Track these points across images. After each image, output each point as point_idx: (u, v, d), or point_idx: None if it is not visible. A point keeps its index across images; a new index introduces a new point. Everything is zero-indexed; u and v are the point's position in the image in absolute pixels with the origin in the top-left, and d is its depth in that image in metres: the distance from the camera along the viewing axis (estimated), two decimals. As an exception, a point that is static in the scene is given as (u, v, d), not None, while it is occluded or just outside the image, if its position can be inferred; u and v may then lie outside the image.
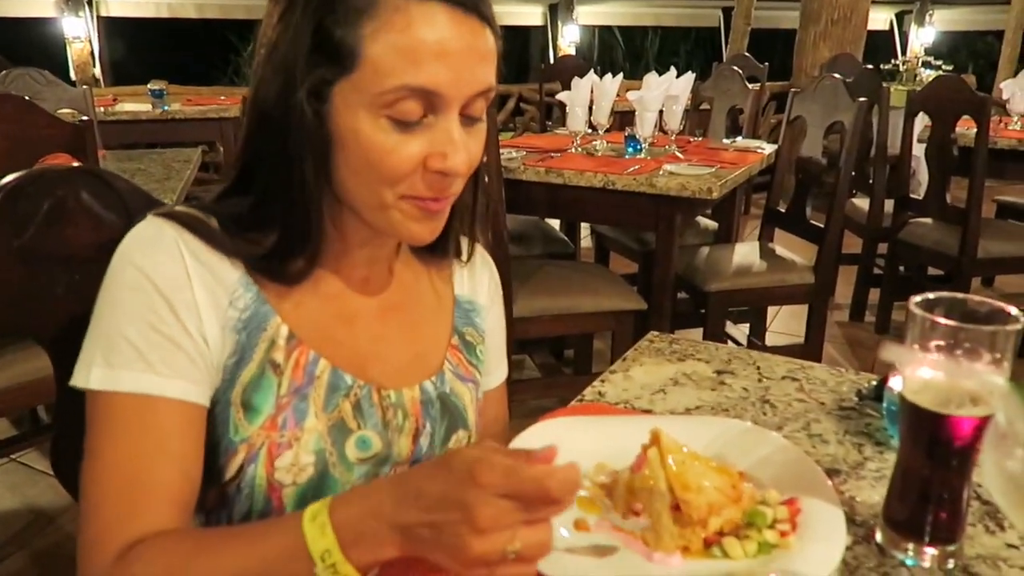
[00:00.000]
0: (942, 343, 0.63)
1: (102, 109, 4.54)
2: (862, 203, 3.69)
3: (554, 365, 3.25)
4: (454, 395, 0.89)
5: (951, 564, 0.68)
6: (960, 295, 0.68)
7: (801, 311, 2.96)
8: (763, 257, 2.81)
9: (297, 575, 0.61)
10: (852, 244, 3.69)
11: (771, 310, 3.58)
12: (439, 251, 0.92)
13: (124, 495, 0.69)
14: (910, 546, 0.68)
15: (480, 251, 0.97)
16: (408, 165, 0.71)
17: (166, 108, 4.67)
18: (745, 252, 2.86)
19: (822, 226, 2.70)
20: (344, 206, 0.77)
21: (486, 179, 0.88)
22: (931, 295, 0.67)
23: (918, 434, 0.67)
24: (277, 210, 0.75)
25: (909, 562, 0.68)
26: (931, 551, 0.68)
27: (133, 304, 0.72)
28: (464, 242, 0.94)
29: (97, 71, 7.65)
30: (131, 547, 0.67)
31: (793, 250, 2.89)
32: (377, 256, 0.86)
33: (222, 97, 5.35)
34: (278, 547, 0.63)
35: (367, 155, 0.71)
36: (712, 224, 3.34)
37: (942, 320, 0.62)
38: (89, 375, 0.71)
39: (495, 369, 1.00)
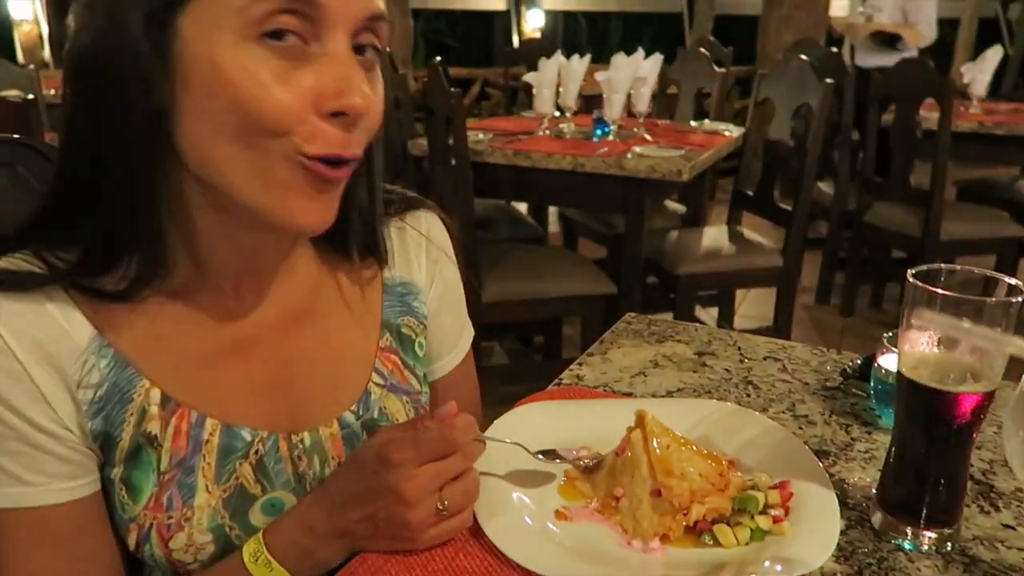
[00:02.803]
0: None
1: (52, 91, 4.37)
2: (826, 187, 3.71)
3: (523, 351, 3.21)
4: (384, 417, 0.76)
5: (949, 547, 0.65)
6: (957, 266, 0.65)
7: (768, 295, 2.96)
8: (732, 240, 2.80)
9: None
10: (815, 228, 3.70)
11: (739, 294, 3.58)
12: (340, 250, 0.75)
13: None
14: (908, 529, 0.65)
15: (409, 219, 0.82)
16: (294, 103, 0.55)
17: (119, 91, 4.49)
18: (714, 235, 2.85)
19: (790, 209, 2.70)
20: (192, 189, 0.61)
21: (379, 160, 0.72)
22: (924, 267, 0.64)
23: (916, 412, 0.64)
24: (90, 195, 0.59)
25: (907, 546, 0.65)
26: (929, 534, 0.65)
27: None
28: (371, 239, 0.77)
29: (47, 53, 7.38)
30: None
31: (761, 233, 2.88)
32: (262, 254, 0.68)
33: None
34: None
35: (236, 95, 0.54)
36: (680, 208, 3.33)
37: (947, 293, 0.59)
38: None
39: (454, 347, 0.87)
